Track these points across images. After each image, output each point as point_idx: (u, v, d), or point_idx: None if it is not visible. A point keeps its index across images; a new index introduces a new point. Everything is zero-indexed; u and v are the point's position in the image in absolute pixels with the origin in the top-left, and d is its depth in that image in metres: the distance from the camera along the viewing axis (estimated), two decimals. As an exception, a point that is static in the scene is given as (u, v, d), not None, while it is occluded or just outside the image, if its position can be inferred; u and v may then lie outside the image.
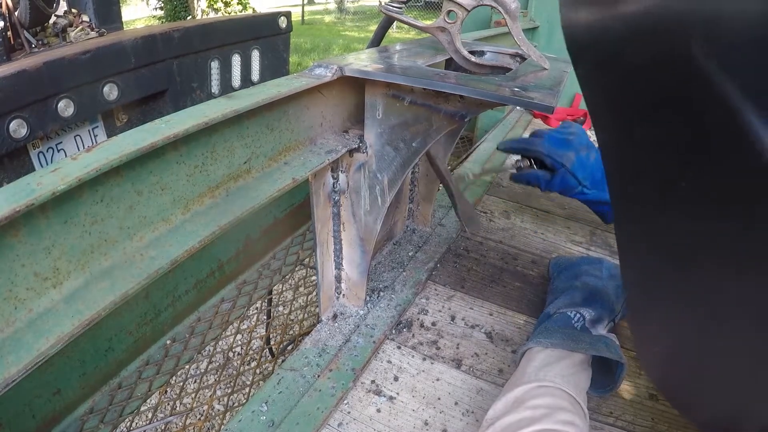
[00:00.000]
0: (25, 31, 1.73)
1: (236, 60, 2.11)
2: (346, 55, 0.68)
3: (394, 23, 0.83)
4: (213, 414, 1.14)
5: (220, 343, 1.38)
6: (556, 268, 0.85)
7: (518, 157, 1.02)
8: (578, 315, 0.69)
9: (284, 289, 1.37)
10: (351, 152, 0.68)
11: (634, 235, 0.48)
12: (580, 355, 0.62)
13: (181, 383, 1.17)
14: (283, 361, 0.73)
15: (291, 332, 1.32)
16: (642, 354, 0.58)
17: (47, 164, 1.55)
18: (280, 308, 1.46)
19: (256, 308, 1.27)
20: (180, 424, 1.02)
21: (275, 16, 2.23)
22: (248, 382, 1.11)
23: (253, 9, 8.03)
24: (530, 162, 0.99)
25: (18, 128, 1.36)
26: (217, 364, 1.37)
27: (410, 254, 0.96)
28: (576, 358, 0.62)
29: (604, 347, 0.62)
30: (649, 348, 0.54)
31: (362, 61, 0.65)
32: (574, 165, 0.91)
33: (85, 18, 1.98)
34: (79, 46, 1.61)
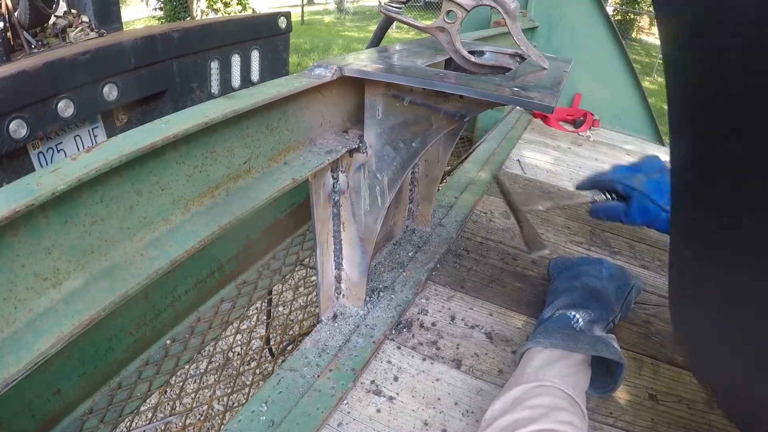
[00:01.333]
0: (24, 32, 1.73)
1: (236, 60, 2.11)
2: (346, 55, 0.68)
3: (394, 23, 0.83)
4: (213, 414, 1.14)
5: (219, 343, 1.38)
6: (555, 268, 0.85)
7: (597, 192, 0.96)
8: (578, 315, 0.69)
9: (284, 289, 1.37)
10: (351, 152, 0.68)
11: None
12: (579, 356, 0.62)
13: (181, 383, 1.17)
14: (282, 362, 0.73)
15: (291, 332, 1.32)
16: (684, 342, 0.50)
17: (47, 164, 1.55)
18: (280, 308, 1.46)
19: (256, 308, 1.27)
20: (180, 424, 1.02)
21: (275, 16, 2.23)
22: (248, 382, 1.11)
23: (253, 9, 8.04)
24: (607, 196, 0.93)
25: (18, 128, 1.36)
26: (217, 364, 1.37)
27: (410, 254, 0.96)
28: (575, 358, 0.62)
29: (604, 347, 0.62)
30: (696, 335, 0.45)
31: (362, 61, 0.65)
32: (647, 187, 0.85)
33: (85, 18, 1.98)
34: (78, 46, 1.61)
